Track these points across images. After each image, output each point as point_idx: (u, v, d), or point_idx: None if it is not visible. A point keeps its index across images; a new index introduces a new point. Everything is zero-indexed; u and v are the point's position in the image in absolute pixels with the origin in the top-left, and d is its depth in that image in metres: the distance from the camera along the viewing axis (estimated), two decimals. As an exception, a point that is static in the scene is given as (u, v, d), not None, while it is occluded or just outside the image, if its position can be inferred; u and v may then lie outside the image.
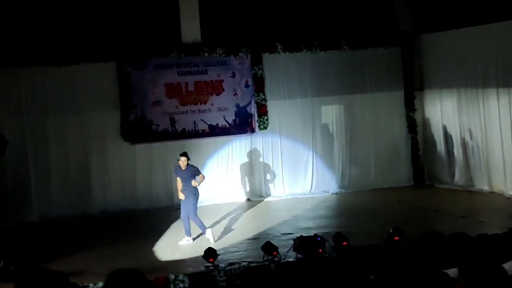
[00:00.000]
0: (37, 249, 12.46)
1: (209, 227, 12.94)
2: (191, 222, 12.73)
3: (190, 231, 12.75)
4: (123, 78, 16.24)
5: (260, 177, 17.35)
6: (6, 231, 14.31)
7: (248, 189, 17.23)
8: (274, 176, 17.42)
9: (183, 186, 12.78)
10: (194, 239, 12.77)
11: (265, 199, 17.07)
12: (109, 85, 16.24)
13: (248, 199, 17.05)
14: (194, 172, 12.81)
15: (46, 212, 15.74)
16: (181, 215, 12.81)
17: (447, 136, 17.32)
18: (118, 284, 4.07)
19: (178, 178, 12.93)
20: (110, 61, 16.15)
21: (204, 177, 13.00)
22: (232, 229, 13.79)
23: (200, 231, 12.88)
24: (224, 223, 14.28)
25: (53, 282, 4.21)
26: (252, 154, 17.28)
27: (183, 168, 12.76)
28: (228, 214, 15.11)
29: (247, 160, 17.26)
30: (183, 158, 12.77)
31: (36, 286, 4.17)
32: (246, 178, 17.25)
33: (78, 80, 16.04)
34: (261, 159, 17.35)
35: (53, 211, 15.78)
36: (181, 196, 12.75)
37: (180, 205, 12.96)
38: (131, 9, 16.35)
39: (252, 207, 16.23)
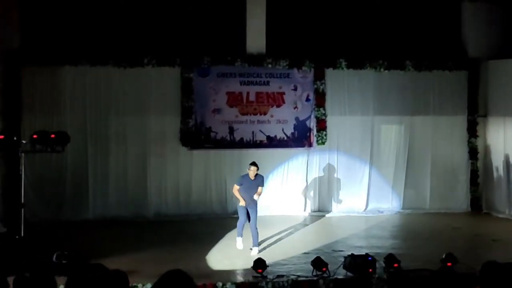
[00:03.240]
0: (90, 246, 12.63)
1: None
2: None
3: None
4: (186, 83, 16.40)
5: (315, 192, 17.25)
6: (60, 226, 14.63)
7: (301, 203, 17.16)
8: (328, 192, 17.30)
9: (248, 194, 12.59)
10: (260, 250, 12.60)
11: (318, 215, 16.97)
12: (172, 90, 16.42)
13: (302, 214, 16.98)
14: (261, 181, 12.72)
15: (101, 211, 16.00)
16: (251, 223, 12.55)
17: (508, 165, 16.96)
18: (170, 284, 4.09)
19: (237, 186, 12.73)
20: (175, 66, 16.33)
21: (262, 191, 12.84)
22: (283, 242, 13.72)
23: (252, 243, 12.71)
24: (275, 235, 14.21)
25: (107, 279, 4.23)
26: (308, 168, 17.21)
27: (252, 178, 12.63)
28: (280, 227, 15.00)
29: (302, 174, 17.20)
30: (253, 168, 12.59)
31: (88, 281, 4.21)
32: (300, 192, 17.18)
33: (142, 82, 16.26)
34: (316, 174, 17.25)
35: (108, 210, 16.01)
36: (244, 202, 12.56)
37: (236, 213, 12.95)
38: (199, 17, 16.53)
39: (304, 222, 16.16)
